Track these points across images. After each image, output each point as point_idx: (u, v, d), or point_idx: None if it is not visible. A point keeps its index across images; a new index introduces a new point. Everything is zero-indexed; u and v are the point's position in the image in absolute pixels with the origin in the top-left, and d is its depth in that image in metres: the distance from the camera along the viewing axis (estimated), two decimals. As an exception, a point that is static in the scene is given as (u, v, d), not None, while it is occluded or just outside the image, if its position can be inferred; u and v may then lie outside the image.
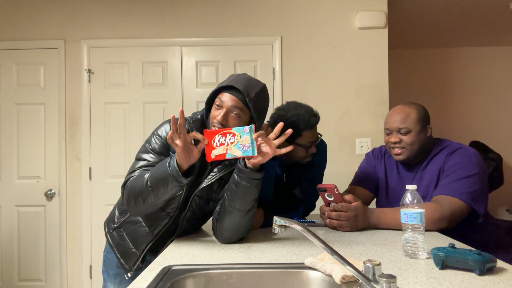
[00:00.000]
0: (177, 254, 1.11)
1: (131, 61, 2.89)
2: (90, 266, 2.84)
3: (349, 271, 0.75)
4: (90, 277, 2.84)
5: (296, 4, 2.89)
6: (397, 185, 1.63)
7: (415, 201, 1.03)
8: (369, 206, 1.49)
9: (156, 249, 1.32)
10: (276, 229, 0.86)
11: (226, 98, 1.20)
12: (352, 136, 2.85)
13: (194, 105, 2.87)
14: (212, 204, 1.31)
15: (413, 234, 1.02)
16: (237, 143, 1.09)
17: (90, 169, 2.86)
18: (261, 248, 1.17)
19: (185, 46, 2.89)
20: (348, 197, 1.40)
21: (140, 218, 1.31)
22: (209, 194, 1.30)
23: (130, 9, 2.91)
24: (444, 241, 1.21)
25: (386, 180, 1.68)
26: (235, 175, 1.16)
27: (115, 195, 1.54)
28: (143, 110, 2.88)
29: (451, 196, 1.37)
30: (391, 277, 0.69)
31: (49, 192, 2.86)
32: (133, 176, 1.21)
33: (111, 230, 1.38)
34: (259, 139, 1.10)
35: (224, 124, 1.18)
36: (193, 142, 1.12)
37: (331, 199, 1.40)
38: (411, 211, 1.03)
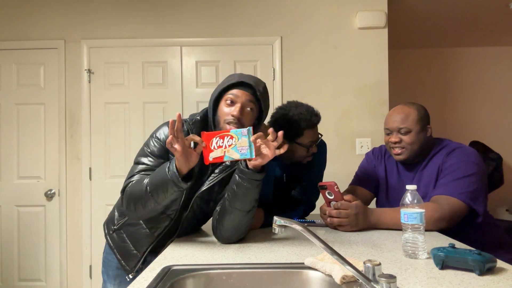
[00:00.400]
0: (177, 254, 1.10)
1: (131, 61, 2.89)
2: (90, 266, 2.84)
3: (349, 271, 0.75)
4: (90, 277, 2.84)
5: (296, 4, 2.89)
6: (397, 185, 1.63)
7: (415, 201, 1.03)
8: (369, 206, 1.49)
9: (156, 250, 1.32)
10: (276, 229, 0.86)
11: (240, 94, 1.21)
12: (352, 136, 2.85)
13: (194, 105, 2.87)
14: (212, 204, 1.31)
15: (413, 234, 1.02)
16: (235, 146, 1.09)
17: (90, 169, 2.86)
18: (261, 248, 1.17)
19: (185, 46, 2.89)
20: (347, 197, 1.40)
21: (140, 220, 1.30)
22: (210, 195, 1.30)
23: (130, 9, 2.91)
24: (444, 241, 1.21)
25: (386, 180, 1.68)
26: (236, 175, 1.16)
27: (115, 195, 1.54)
28: (143, 110, 2.88)
29: (450, 196, 1.37)
30: (391, 277, 0.69)
31: (49, 192, 2.86)
32: (132, 181, 1.20)
33: (111, 232, 1.37)
34: (258, 140, 1.09)
35: (240, 118, 1.19)
36: (192, 145, 1.11)
37: (332, 197, 1.40)
38: (411, 211, 1.03)
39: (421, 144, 1.52)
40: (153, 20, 2.90)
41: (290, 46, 2.88)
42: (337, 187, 1.38)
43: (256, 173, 1.13)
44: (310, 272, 0.94)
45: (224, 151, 1.10)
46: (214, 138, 1.10)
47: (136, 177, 1.21)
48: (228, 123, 1.20)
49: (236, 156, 1.09)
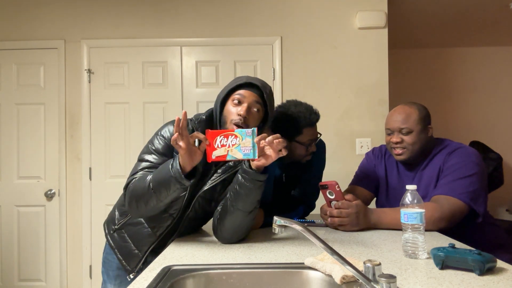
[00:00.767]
0: (177, 254, 1.10)
1: (131, 61, 2.89)
2: (90, 266, 2.84)
3: (349, 271, 0.75)
4: (90, 277, 2.84)
5: (296, 4, 2.89)
6: (397, 184, 1.63)
7: (415, 201, 1.03)
8: (369, 206, 1.49)
9: (157, 250, 1.32)
10: (276, 229, 0.86)
11: (247, 94, 1.23)
12: (352, 136, 2.85)
13: (194, 105, 2.87)
14: (214, 204, 1.31)
15: (413, 234, 1.02)
16: (239, 145, 1.09)
17: (90, 169, 2.86)
18: (261, 248, 1.17)
19: (185, 46, 2.89)
20: (348, 197, 1.40)
21: (142, 220, 1.30)
22: (212, 195, 1.30)
23: (130, 9, 2.91)
24: (444, 241, 1.21)
25: (386, 179, 1.68)
26: (239, 176, 1.17)
27: (115, 195, 1.54)
28: (143, 110, 2.88)
29: (450, 196, 1.37)
30: (391, 277, 0.69)
31: (49, 192, 2.86)
32: (136, 177, 1.21)
33: (111, 232, 1.37)
34: (262, 142, 1.10)
35: (247, 118, 1.20)
36: (196, 144, 1.12)
37: (333, 197, 1.40)
38: (411, 211, 1.03)
39: (422, 144, 1.52)
40: (153, 20, 2.90)
41: (290, 46, 2.88)
42: (338, 187, 1.39)
43: (259, 174, 1.14)
44: (310, 272, 0.94)
45: (228, 150, 1.10)
46: (219, 137, 1.11)
47: (139, 174, 1.21)
48: (233, 123, 1.21)
49: (239, 155, 1.10)
